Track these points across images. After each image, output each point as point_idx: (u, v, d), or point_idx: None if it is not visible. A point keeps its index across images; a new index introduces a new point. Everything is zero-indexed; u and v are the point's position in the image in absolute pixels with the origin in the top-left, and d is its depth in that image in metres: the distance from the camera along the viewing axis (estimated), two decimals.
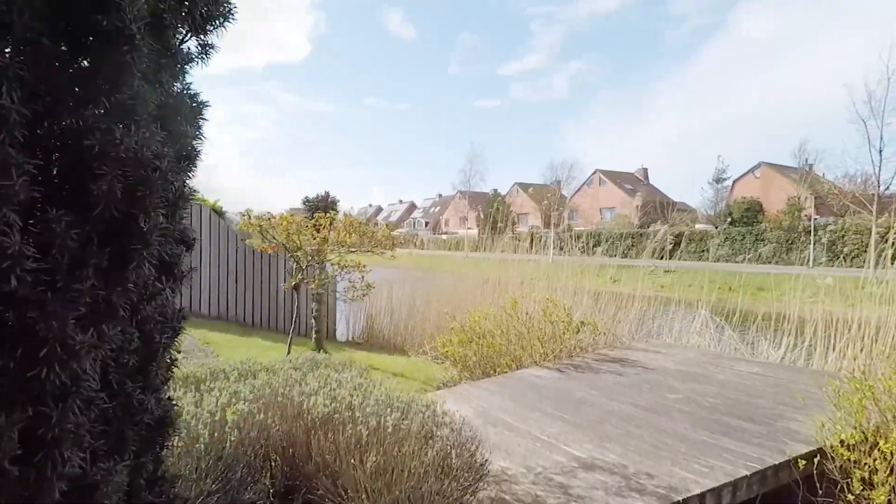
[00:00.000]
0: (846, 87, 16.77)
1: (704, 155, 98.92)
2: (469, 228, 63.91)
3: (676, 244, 31.28)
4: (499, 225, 54.54)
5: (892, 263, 20.99)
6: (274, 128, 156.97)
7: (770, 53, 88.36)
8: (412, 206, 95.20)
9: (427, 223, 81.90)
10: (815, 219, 24.96)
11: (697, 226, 35.61)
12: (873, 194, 17.87)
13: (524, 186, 58.57)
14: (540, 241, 39.91)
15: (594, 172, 52.77)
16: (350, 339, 9.65)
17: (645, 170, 55.46)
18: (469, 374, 4.95)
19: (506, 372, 4.65)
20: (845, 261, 23.03)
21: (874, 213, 16.69)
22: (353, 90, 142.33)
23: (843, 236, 23.18)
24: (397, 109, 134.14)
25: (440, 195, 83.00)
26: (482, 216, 57.88)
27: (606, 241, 36.51)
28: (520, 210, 57.08)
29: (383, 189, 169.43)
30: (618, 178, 52.04)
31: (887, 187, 16.20)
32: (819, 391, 3.96)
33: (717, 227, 31.18)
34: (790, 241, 25.77)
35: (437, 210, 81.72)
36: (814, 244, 23.78)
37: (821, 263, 23.42)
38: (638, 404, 3.67)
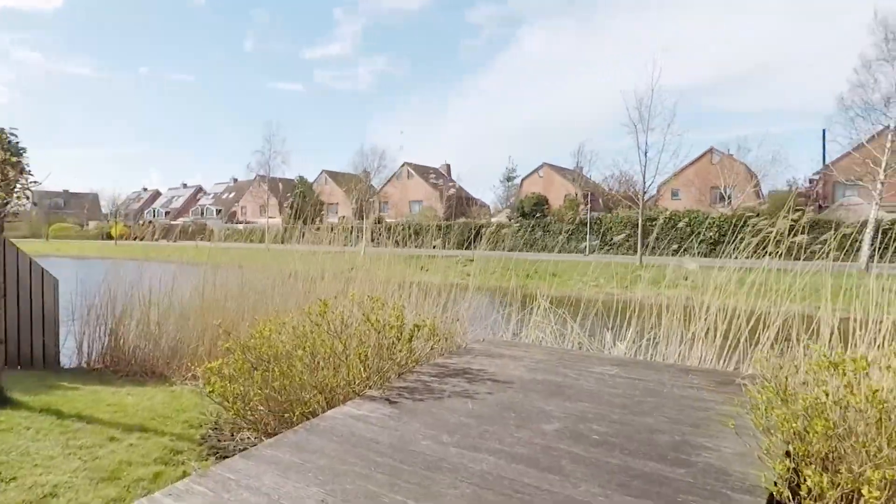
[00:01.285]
0: (621, 94, 19.24)
1: (497, 155, 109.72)
2: (271, 217, 58.63)
3: (477, 235, 33.20)
4: (306, 214, 51.33)
5: (655, 250, 24.81)
6: (7, 90, 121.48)
7: (554, 67, 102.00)
8: (199, 191, 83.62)
9: (219, 211, 72.75)
10: (593, 214, 28.78)
11: (493, 219, 38.35)
12: (639, 191, 21.06)
13: (333, 175, 56.04)
14: (352, 231, 38.35)
15: (402, 165, 53.26)
16: (85, 363, 6.72)
17: (448, 166, 58.24)
18: (253, 424, 3.19)
19: (310, 416, 3.03)
20: (615, 249, 27.27)
21: (641, 207, 19.65)
22: (122, 54, 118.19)
23: (611, 228, 27.42)
24: (180, 81, 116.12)
25: (235, 179, 74.47)
26: (286, 204, 53.56)
27: (420, 233, 36.90)
28: (329, 199, 54.40)
29: (164, 172, 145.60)
30: (424, 171, 53.49)
31: (651, 184, 19.27)
32: (701, 396, 3.36)
33: (510, 220, 33.91)
34: (570, 232, 29.41)
35: (231, 196, 73.17)
36: (590, 234, 27.44)
37: (594, 251, 27.24)
38: (513, 453, 2.47)
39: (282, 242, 45.51)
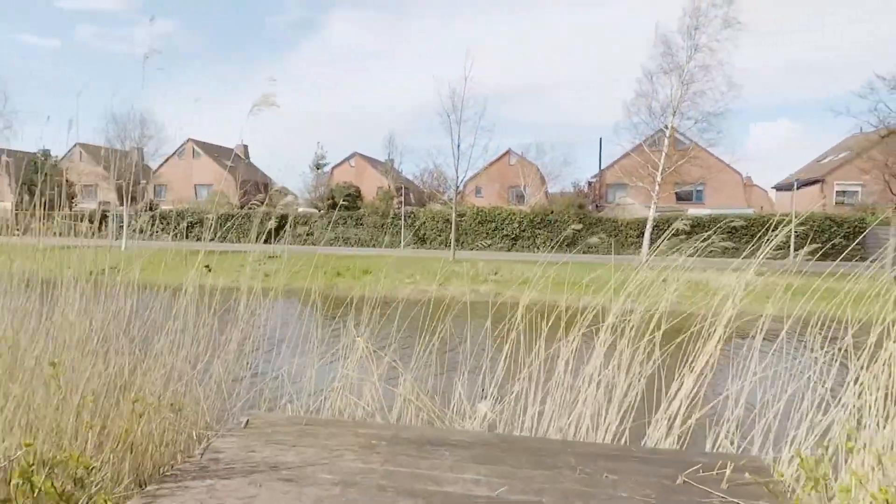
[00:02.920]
0: (434, 79, 18.50)
1: (303, 142, 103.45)
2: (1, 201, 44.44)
3: (281, 227, 29.62)
4: (47, 197, 39.86)
5: (465, 245, 24.73)
6: None
7: (366, 57, 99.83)
8: None
9: None
10: (407, 208, 27.96)
11: (300, 209, 35.11)
12: (451, 185, 20.72)
13: (91, 150, 44.70)
14: (113, 220, 30.65)
15: (186, 142, 45.37)
16: None
17: (245, 147, 51.86)
18: None
19: None
20: (426, 243, 27.04)
21: (454, 202, 19.27)
22: None
23: (425, 223, 27.09)
24: None
25: None
26: (18, 184, 40.81)
27: (202, 224, 31.38)
28: (85, 180, 43.26)
29: None
30: (215, 151, 46.49)
31: (463, 178, 19.00)
32: None
33: (319, 211, 31.24)
34: (384, 226, 28.22)
35: None
36: (404, 229, 26.62)
37: (408, 245, 26.61)
38: None
39: (20, 234, 34.86)
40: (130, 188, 31.65)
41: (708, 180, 29.32)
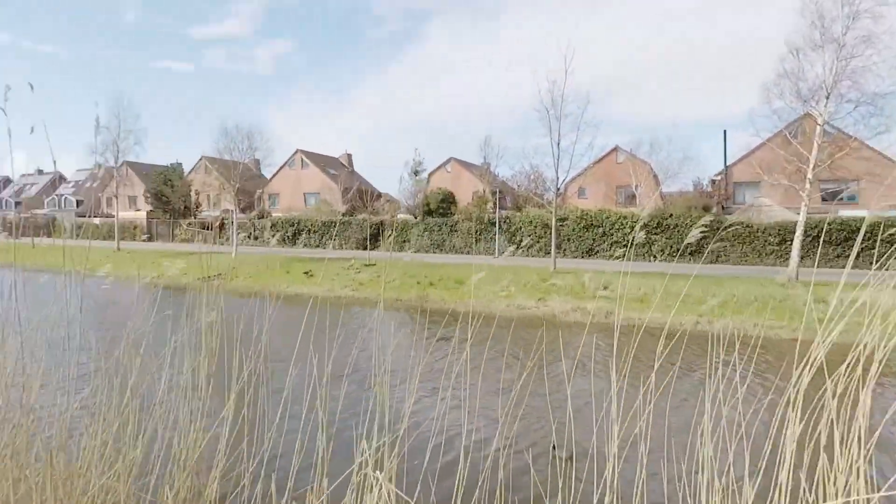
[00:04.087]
0: (533, 74, 16.50)
1: (403, 148, 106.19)
2: (138, 210, 50.45)
3: (379, 234, 29.53)
4: (174, 207, 43.89)
5: (567, 253, 22.56)
6: None
7: (461, 62, 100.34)
8: (59, 180, 71.38)
9: (80, 202, 62.19)
10: (502, 212, 26.34)
11: (400, 215, 35.01)
12: (552, 186, 18.73)
13: (215, 162, 48.98)
14: (228, 228, 32.73)
15: (296, 153, 47.87)
16: None
17: (349, 155, 53.72)
18: None
19: None
20: (523, 250, 25.09)
21: (554, 205, 17.27)
22: None
23: (520, 228, 25.16)
24: (47, 54, 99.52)
25: (100, 165, 63.83)
26: (151, 195, 45.81)
27: (309, 231, 32.37)
28: (212, 190, 47.46)
29: (30, 155, 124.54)
30: (321, 161, 48.54)
31: (565, 179, 16.92)
32: None
33: (416, 217, 30.74)
34: (479, 232, 26.79)
35: (95, 185, 62.63)
36: (499, 235, 24.97)
37: (504, 253, 24.85)
38: None
39: (149, 240, 38.10)
40: (240, 197, 33.62)
41: (868, 177, 24.02)
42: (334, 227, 30.56)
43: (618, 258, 23.34)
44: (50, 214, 57.83)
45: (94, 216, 51.87)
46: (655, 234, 22.81)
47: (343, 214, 35.17)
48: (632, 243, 22.58)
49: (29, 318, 3.07)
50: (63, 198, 65.05)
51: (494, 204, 27.98)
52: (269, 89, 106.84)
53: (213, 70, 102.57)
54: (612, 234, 23.61)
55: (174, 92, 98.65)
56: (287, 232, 34.01)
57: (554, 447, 5.61)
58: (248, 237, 36.10)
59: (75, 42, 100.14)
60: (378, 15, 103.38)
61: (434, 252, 28.05)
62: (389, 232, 29.04)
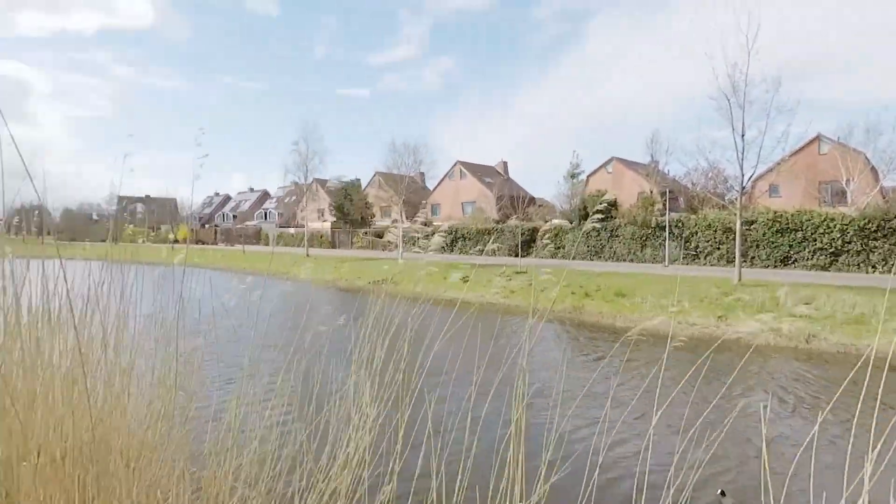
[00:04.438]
0: (707, 56, 14.37)
1: (561, 151, 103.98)
2: (324, 221, 57.61)
3: (532, 240, 29.04)
4: (352, 217, 49.02)
5: (755, 261, 19.63)
6: (110, 104, 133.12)
7: (623, 59, 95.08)
8: (265, 196, 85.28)
9: (280, 214, 73.40)
10: (673, 215, 23.90)
11: (554, 221, 34.18)
12: (736, 185, 16.32)
13: (386, 176, 53.79)
14: (395, 236, 35.55)
15: (455, 164, 50.02)
16: None
17: (505, 163, 54.26)
18: None
19: None
20: (700, 258, 22.29)
21: (739, 205, 14.93)
22: (204, 66, 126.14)
23: (696, 232, 22.37)
24: (255, 89, 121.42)
25: (296, 183, 74.80)
26: (334, 207, 51.86)
27: (464, 238, 33.43)
28: (383, 203, 52.28)
29: (244, 176, 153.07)
30: (478, 170, 49.96)
31: (752, 175, 14.46)
32: None
33: (571, 223, 29.61)
34: (644, 238, 24.59)
35: (292, 200, 73.55)
36: (668, 241, 22.59)
37: (676, 261, 22.39)
38: None
39: (332, 247, 43.41)
40: (404, 207, 36.16)
41: None
42: (489, 234, 31.03)
43: (822, 268, 19.35)
44: (256, 226, 69.56)
45: (290, 227, 60.68)
46: (875, 239, 18.38)
47: (496, 222, 35.58)
48: (843, 251, 18.56)
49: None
50: (267, 211, 77.67)
51: (663, 206, 25.46)
52: (435, 105, 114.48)
53: (387, 92, 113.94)
54: (814, 240, 19.66)
55: (356, 114, 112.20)
56: (446, 239, 35.61)
57: (723, 494, 4.70)
58: (413, 245, 38.73)
59: (275, 77, 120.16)
60: (538, 19, 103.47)
61: (591, 260, 26.62)
62: (542, 238, 28.45)
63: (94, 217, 64.14)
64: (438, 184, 50.97)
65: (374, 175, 56.11)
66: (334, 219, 51.67)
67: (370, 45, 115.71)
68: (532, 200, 40.91)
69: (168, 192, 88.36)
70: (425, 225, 40.92)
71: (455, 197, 49.27)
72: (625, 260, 25.12)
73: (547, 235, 28.82)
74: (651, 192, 29.93)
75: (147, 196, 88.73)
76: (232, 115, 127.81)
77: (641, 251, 24.61)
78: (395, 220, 44.63)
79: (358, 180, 58.02)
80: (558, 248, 28.19)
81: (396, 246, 32.23)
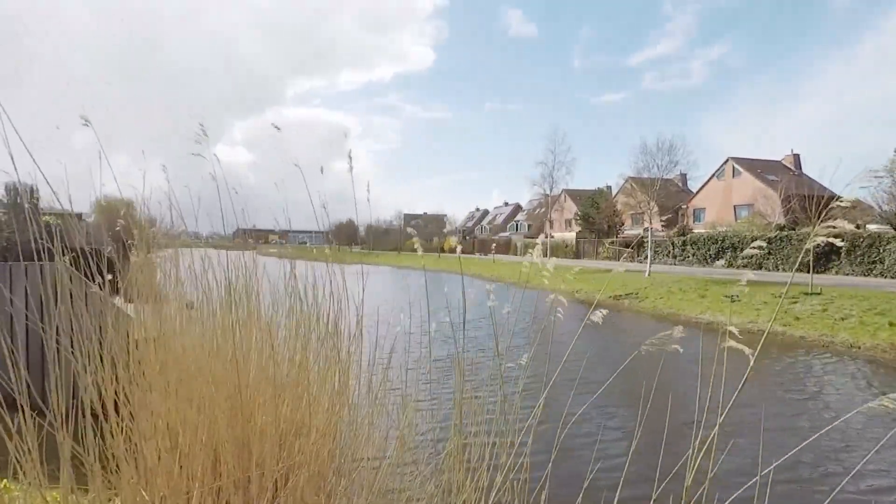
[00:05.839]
0: None
1: (886, 136, 79.63)
2: (571, 230, 57.57)
3: (831, 251, 22.77)
4: (600, 226, 47.56)
5: None
6: (399, 137, 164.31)
7: None
8: (517, 209, 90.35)
9: (529, 226, 76.69)
10: None
11: (869, 226, 26.50)
12: None
13: (639, 181, 50.46)
14: (645, 246, 32.88)
15: (726, 161, 43.44)
16: None
17: (796, 156, 44.47)
18: None
19: None
20: None
21: None
22: (472, 95, 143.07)
23: None
24: (513, 111, 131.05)
25: (546, 194, 76.98)
26: (580, 216, 51.19)
27: (734, 248, 28.72)
28: (634, 209, 49.31)
29: (502, 191, 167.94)
30: (757, 166, 42.11)
31: None
32: None
33: (895, 228, 22.33)
34: None
35: (541, 211, 76.01)
36: None
37: None
38: None
39: (576, 257, 43.28)
40: (651, 213, 33.13)
41: None
42: (769, 243, 25.84)
43: None
44: (508, 237, 74.11)
45: (537, 237, 62.85)
46: None
47: (781, 228, 29.36)
48: None
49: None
50: (518, 223, 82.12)
51: None
52: (702, 99, 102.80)
53: (646, 92, 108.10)
54: None
55: (612, 120, 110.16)
56: (709, 250, 31.23)
57: None
58: (667, 255, 35.21)
59: (533, 96, 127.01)
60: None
61: None
62: (847, 249, 22.11)
63: (384, 229, 78.70)
64: (703, 185, 45.20)
65: (626, 180, 53.23)
66: (580, 228, 51.12)
67: (629, 47, 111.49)
68: (835, 200, 32.43)
69: (440, 209, 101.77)
70: (683, 233, 36.76)
71: (725, 199, 42.86)
72: None
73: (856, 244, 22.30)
74: None
75: (424, 213, 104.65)
76: (494, 137, 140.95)
77: None
78: (646, 228, 41.48)
79: (609, 188, 56.18)
80: (872, 262, 21.57)
81: (646, 257, 29.83)
